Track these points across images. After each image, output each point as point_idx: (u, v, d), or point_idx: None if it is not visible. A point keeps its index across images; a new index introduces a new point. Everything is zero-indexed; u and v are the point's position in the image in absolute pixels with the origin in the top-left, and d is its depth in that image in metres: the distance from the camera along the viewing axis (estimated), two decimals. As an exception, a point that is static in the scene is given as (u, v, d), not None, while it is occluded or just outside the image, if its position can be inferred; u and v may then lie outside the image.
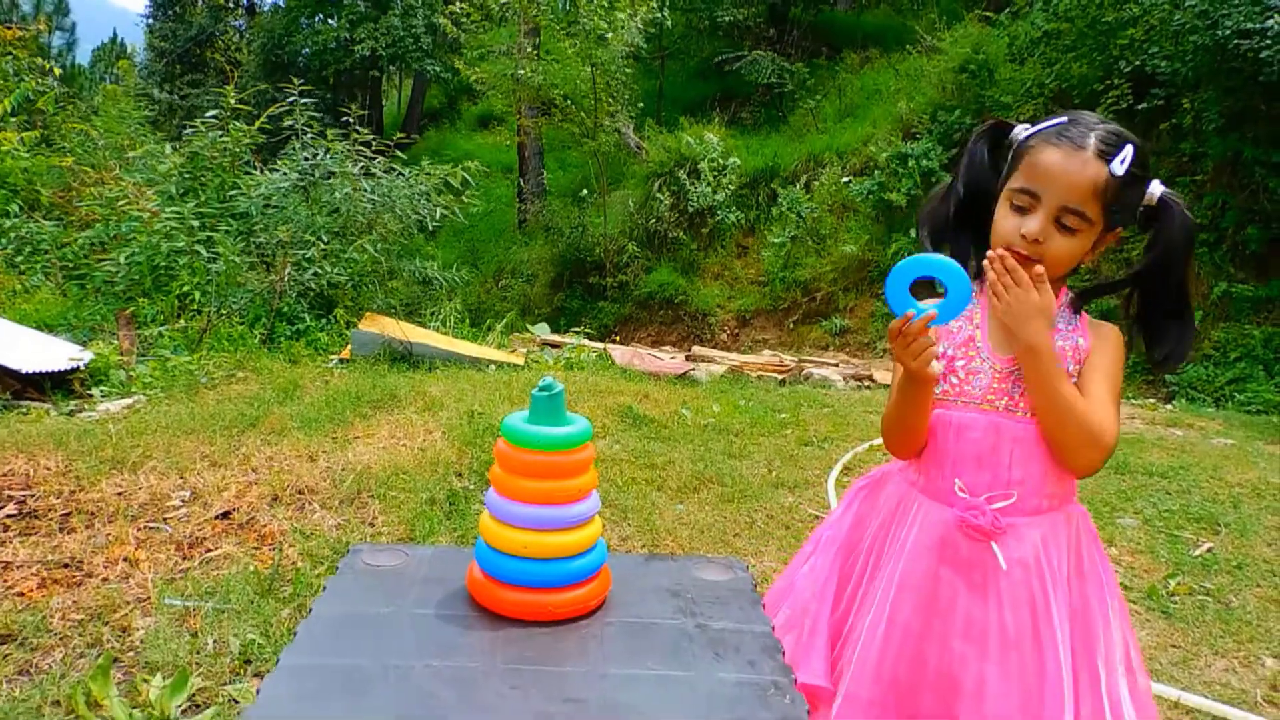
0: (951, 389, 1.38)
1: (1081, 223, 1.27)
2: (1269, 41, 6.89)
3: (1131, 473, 4.24)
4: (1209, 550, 3.32)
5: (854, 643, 1.42)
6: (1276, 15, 6.86)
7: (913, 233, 9.99)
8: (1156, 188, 1.30)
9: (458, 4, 13.47)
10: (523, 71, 11.93)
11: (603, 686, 1.00)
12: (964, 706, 1.31)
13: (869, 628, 1.39)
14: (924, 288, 1.26)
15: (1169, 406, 6.71)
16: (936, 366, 1.30)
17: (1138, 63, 8.47)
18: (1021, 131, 1.35)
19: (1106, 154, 1.25)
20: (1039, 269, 1.28)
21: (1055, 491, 1.35)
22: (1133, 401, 6.93)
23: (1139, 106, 8.47)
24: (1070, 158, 1.26)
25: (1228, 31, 7.14)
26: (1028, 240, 1.28)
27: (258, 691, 0.96)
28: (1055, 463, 1.33)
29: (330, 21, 20.36)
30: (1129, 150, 1.25)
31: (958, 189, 1.39)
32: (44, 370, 4.42)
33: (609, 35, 11.29)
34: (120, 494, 3.01)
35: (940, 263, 1.24)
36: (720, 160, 11.69)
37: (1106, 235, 1.31)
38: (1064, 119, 1.30)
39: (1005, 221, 1.32)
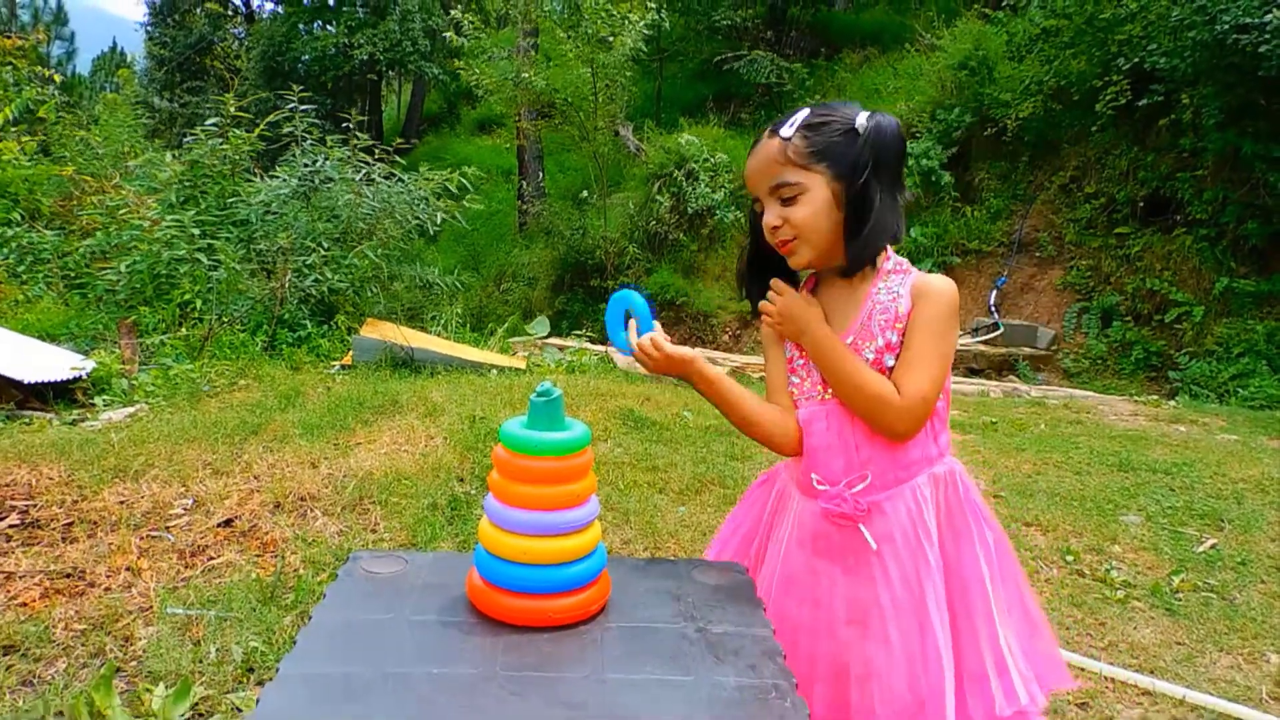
0: (797, 388, 1.44)
1: (792, 189, 1.34)
2: (1268, 36, 6.88)
3: (1135, 469, 4.23)
4: (1213, 546, 3.32)
5: None
6: (1275, 9, 6.85)
7: (913, 232, 10.02)
8: (860, 118, 1.33)
9: (458, 10, 13.48)
10: (526, 75, 11.93)
11: (603, 692, 1.00)
12: (855, 690, 1.33)
13: None
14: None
15: (1172, 403, 6.70)
16: (684, 350, 1.37)
17: (1136, 59, 8.46)
18: None
19: (776, 127, 1.36)
20: (773, 285, 1.43)
21: (910, 460, 1.36)
22: (1136, 398, 6.92)
23: (1138, 103, 8.47)
24: (755, 152, 1.38)
25: (1226, 26, 7.13)
26: (772, 232, 1.37)
27: (258, 700, 0.96)
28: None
29: (329, 28, 20.38)
30: (799, 114, 1.35)
31: (745, 245, 1.51)
32: (46, 380, 4.43)
33: (612, 39, 11.29)
34: (123, 503, 3.02)
35: (627, 295, 1.40)
36: (710, 157, 11.68)
37: (849, 184, 1.31)
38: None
39: (762, 227, 1.40)
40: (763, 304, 1.44)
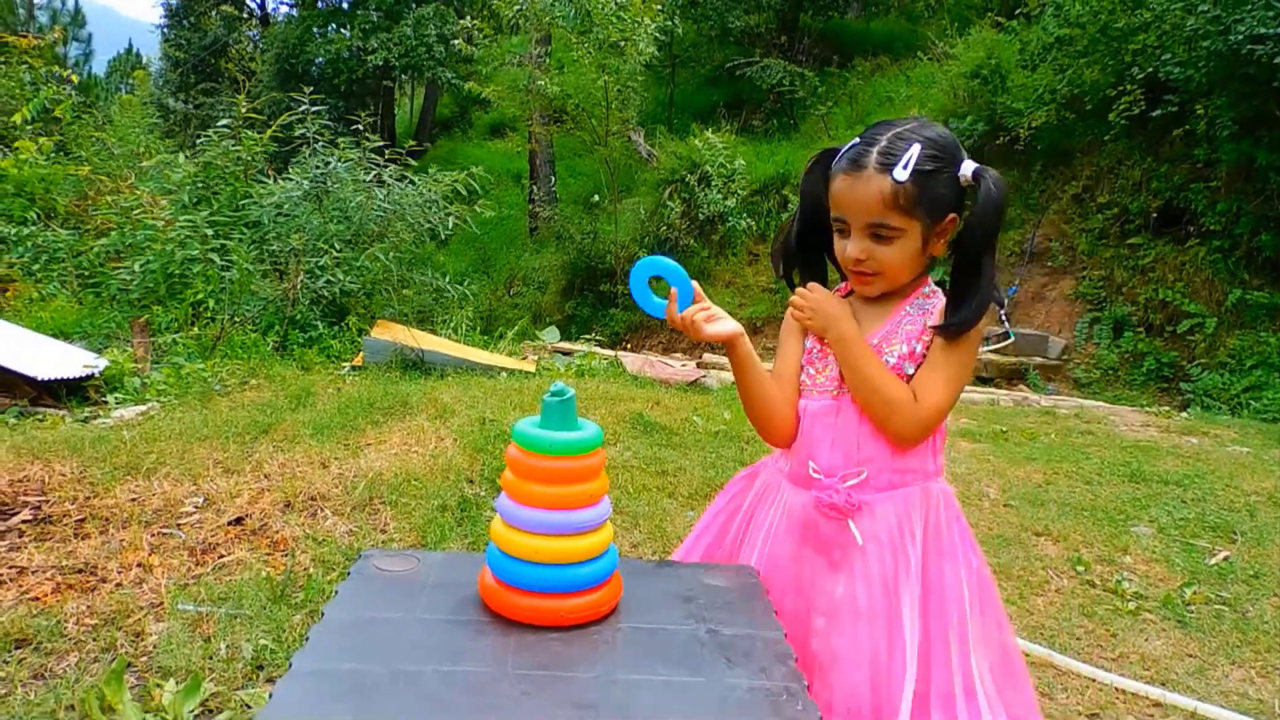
0: (809, 380, 1.46)
1: (892, 231, 1.33)
2: (1283, 47, 6.86)
3: (1146, 481, 4.21)
4: (1225, 559, 3.29)
5: None
6: (1291, 20, 6.83)
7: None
8: (968, 167, 1.33)
9: (470, 18, 13.54)
10: (541, 82, 11.97)
11: (614, 692, 1.00)
12: (817, 680, 1.34)
13: None
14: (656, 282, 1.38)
15: (1184, 414, 6.67)
16: (728, 325, 1.37)
17: (1150, 69, 8.43)
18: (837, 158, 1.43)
19: (888, 165, 1.30)
20: (808, 286, 1.45)
21: (907, 467, 1.39)
22: (1147, 409, 6.88)
23: (1152, 113, 8.44)
24: (854, 182, 1.33)
25: (1240, 37, 7.10)
26: (854, 262, 1.37)
27: (269, 696, 0.96)
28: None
29: (343, 31, 20.47)
30: (913, 151, 1.30)
31: (795, 219, 1.49)
32: (60, 377, 4.46)
33: (624, 44, 11.31)
34: (134, 500, 3.03)
35: (655, 262, 1.36)
36: (727, 164, 11.67)
37: (938, 225, 1.35)
38: (858, 139, 1.37)
39: (836, 244, 1.42)
40: (793, 298, 1.46)
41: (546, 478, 1.13)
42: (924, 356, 1.37)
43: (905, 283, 1.40)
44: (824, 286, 1.48)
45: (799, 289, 1.47)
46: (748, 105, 15.65)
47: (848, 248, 1.37)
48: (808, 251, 1.50)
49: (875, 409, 1.36)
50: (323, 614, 1.13)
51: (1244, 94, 7.57)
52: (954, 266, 1.35)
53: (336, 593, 1.19)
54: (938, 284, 1.43)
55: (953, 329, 1.34)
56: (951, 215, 1.35)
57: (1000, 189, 1.30)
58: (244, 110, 7.63)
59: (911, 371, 1.37)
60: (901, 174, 1.29)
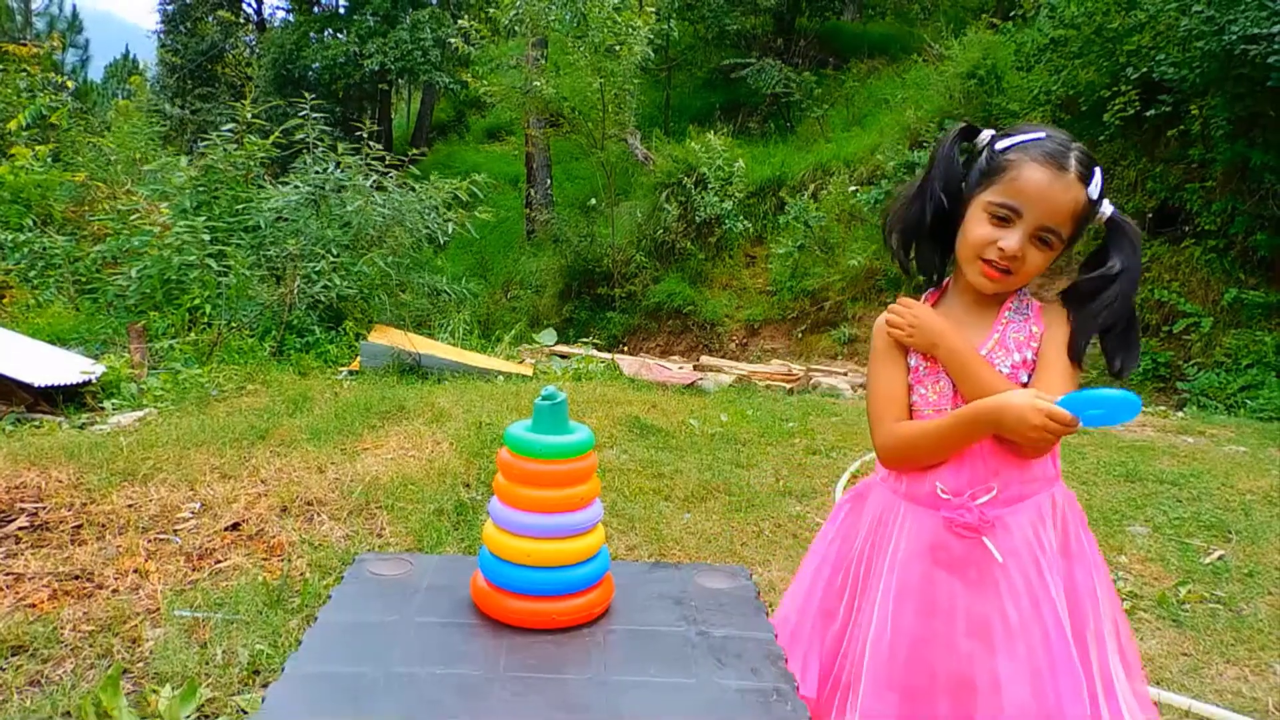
0: (920, 399, 1.42)
1: (1058, 240, 1.33)
2: (1277, 47, 6.87)
3: (1142, 480, 4.22)
4: (1220, 558, 3.30)
5: (856, 657, 1.42)
6: (1284, 21, 6.84)
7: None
8: (1107, 208, 1.34)
9: (466, 19, 13.56)
10: (537, 84, 11.99)
11: (605, 694, 1.01)
12: (981, 704, 1.31)
13: (874, 640, 1.40)
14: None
15: (1180, 414, 6.68)
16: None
17: (1145, 69, 8.44)
18: (991, 138, 1.38)
19: (1086, 178, 1.29)
20: (900, 301, 1.39)
21: (1034, 476, 1.37)
22: (1144, 409, 6.89)
23: (1147, 113, 8.45)
24: (1056, 179, 1.29)
25: (1235, 37, 7.11)
26: (1005, 254, 1.32)
27: (263, 699, 0.97)
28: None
29: (340, 36, 20.49)
30: (1099, 174, 1.30)
31: (937, 195, 1.39)
32: (56, 384, 4.46)
33: (619, 47, 11.33)
34: (131, 506, 3.04)
35: (1125, 399, 1.22)
36: (726, 167, 11.69)
37: (1070, 249, 1.38)
38: (1041, 134, 1.33)
39: (980, 229, 1.34)
40: (890, 317, 1.42)
41: (537, 481, 1.14)
42: (1034, 363, 1.36)
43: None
44: (931, 283, 1.45)
45: (892, 305, 1.42)
46: (744, 108, 15.67)
47: (1005, 238, 1.31)
48: (933, 234, 1.42)
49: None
50: (317, 618, 1.14)
51: (1238, 94, 7.59)
52: (1107, 310, 1.32)
53: (330, 597, 1.20)
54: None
55: (1125, 370, 1.34)
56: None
57: (1138, 231, 1.34)
58: (248, 115, 7.64)
59: (1025, 380, 1.35)
60: (1094, 193, 1.30)
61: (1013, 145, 1.33)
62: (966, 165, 1.39)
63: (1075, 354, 1.34)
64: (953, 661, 1.34)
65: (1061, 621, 1.31)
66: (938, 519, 1.37)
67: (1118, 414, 1.22)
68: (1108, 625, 1.36)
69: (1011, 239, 1.31)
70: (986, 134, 1.38)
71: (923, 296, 1.48)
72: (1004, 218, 1.31)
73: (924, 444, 1.39)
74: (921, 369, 1.42)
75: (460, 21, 13.46)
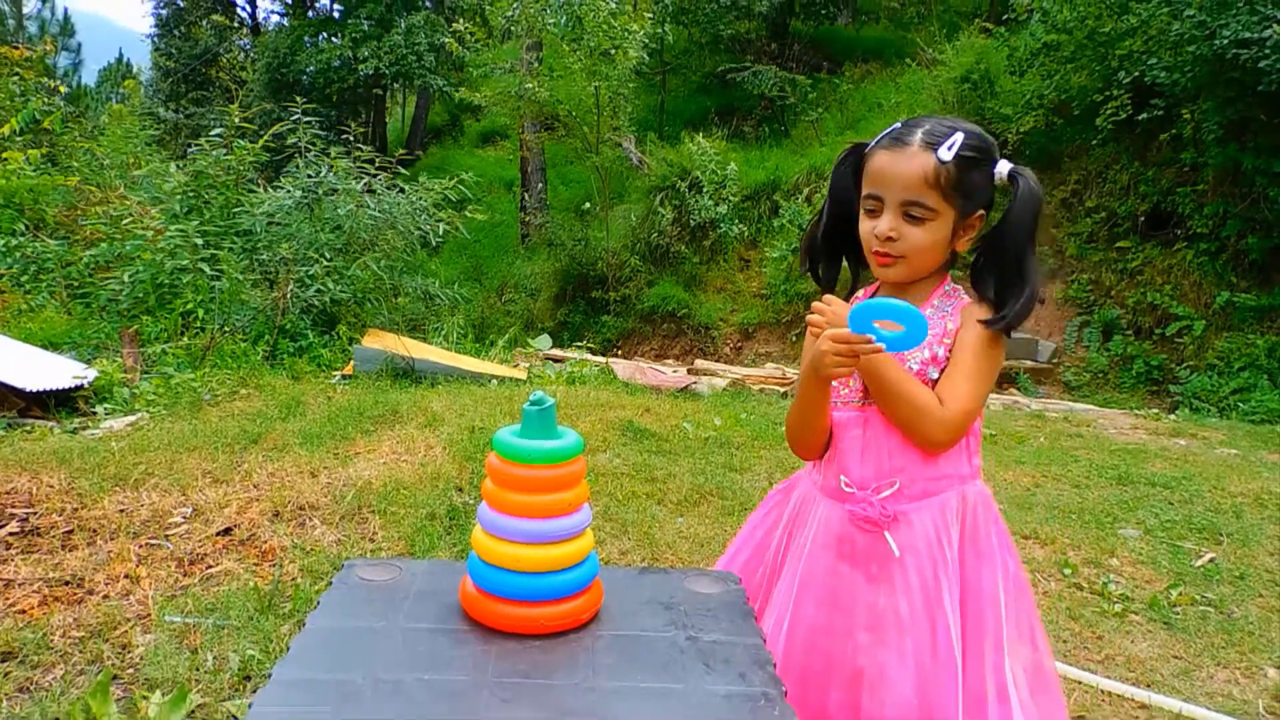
0: (834, 393, 1.44)
1: (925, 212, 1.33)
2: (1268, 51, 6.91)
3: (1134, 483, 4.23)
4: (1211, 561, 3.31)
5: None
6: (1275, 25, 6.88)
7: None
8: (1004, 166, 1.35)
9: (461, 22, 13.58)
10: (530, 86, 12.00)
11: (593, 699, 1.01)
12: (866, 695, 1.34)
13: (773, 626, 1.43)
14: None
15: (1172, 416, 6.70)
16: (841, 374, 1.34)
17: (1137, 73, 8.49)
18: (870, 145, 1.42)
19: (933, 144, 1.31)
20: (824, 299, 1.37)
21: (940, 474, 1.38)
22: (1136, 412, 6.92)
23: (1139, 117, 8.49)
24: (897, 155, 1.33)
25: (1226, 41, 7.16)
26: (880, 239, 1.35)
27: (250, 705, 0.96)
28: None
29: (334, 40, 20.51)
30: (957, 137, 1.31)
31: (823, 212, 1.48)
32: (48, 388, 4.44)
33: (614, 51, 11.35)
34: (122, 511, 3.03)
35: (903, 308, 1.23)
36: (718, 171, 11.71)
37: (967, 221, 1.36)
38: (898, 124, 1.38)
39: (863, 227, 1.40)
40: (810, 316, 1.43)
41: (526, 486, 1.14)
42: (947, 360, 1.36)
43: (926, 272, 1.39)
44: (836, 290, 1.47)
45: (815, 303, 1.43)
46: (739, 112, 15.70)
47: (878, 225, 1.35)
48: (833, 249, 1.48)
49: (902, 417, 1.35)
50: (304, 623, 1.14)
51: (1229, 98, 7.63)
52: (996, 264, 1.36)
53: (319, 602, 1.20)
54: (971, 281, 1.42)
55: (1001, 323, 1.33)
56: (981, 211, 1.37)
57: (1038, 187, 1.33)
58: (237, 119, 7.63)
59: (936, 376, 1.36)
60: (946, 154, 1.30)
61: (874, 143, 1.39)
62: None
63: (993, 320, 1.34)
64: (848, 652, 1.36)
65: (951, 621, 1.32)
66: (844, 511, 1.40)
67: (911, 331, 1.22)
68: (1010, 628, 1.35)
69: (883, 222, 1.35)
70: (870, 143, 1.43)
71: (853, 295, 1.51)
72: (871, 209, 1.37)
73: (791, 419, 1.45)
74: None
75: (455, 25, 13.47)
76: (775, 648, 1.40)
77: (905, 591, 1.34)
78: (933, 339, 1.37)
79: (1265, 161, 7.70)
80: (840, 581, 1.39)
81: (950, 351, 1.36)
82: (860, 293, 1.51)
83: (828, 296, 1.43)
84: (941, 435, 1.34)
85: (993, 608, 1.35)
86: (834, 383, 1.42)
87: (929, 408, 1.33)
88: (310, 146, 7.58)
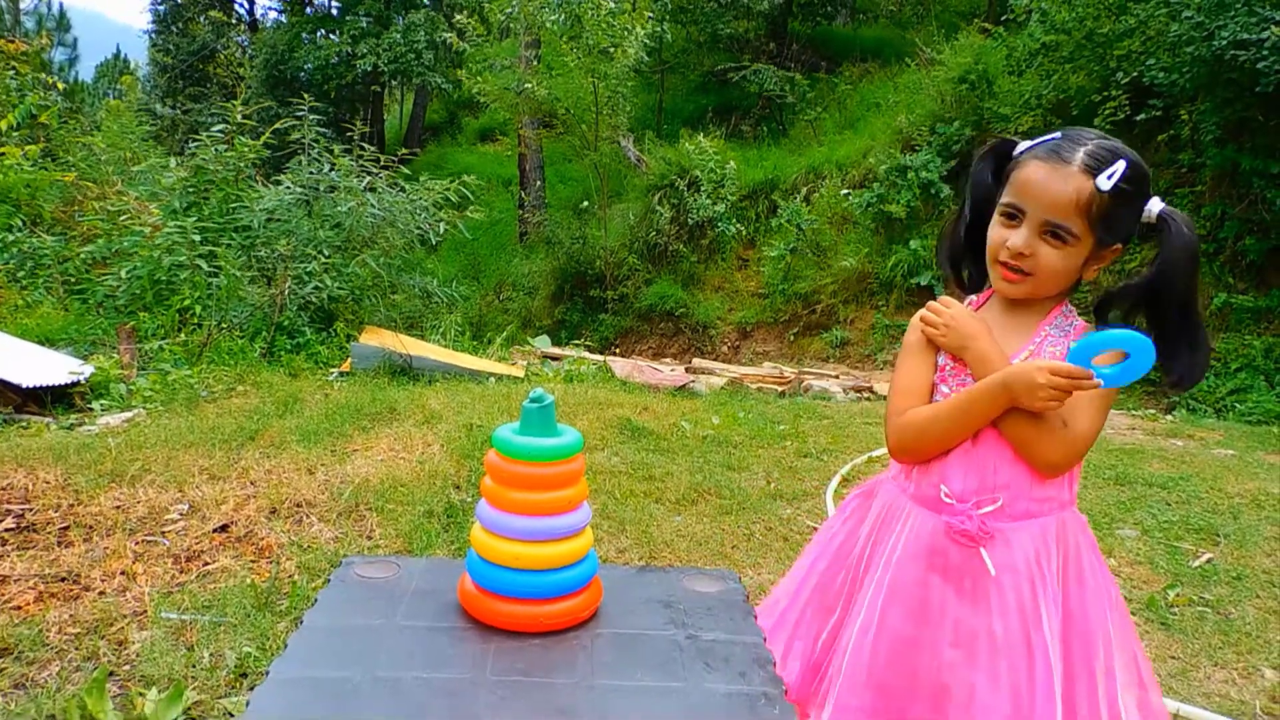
0: (944, 398, 1.39)
1: (1068, 236, 1.27)
2: (1266, 52, 6.91)
3: (1131, 483, 4.24)
4: (1208, 561, 3.32)
5: (843, 650, 1.41)
6: (1273, 26, 6.88)
7: (912, 244, 10.00)
8: (1155, 204, 1.28)
9: (462, 15, 13.56)
10: (529, 84, 11.99)
11: (592, 698, 1.01)
12: (954, 714, 1.30)
13: (858, 634, 1.39)
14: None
15: (1170, 417, 6.71)
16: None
17: (1135, 74, 8.49)
18: (1021, 147, 1.36)
19: (1094, 169, 1.24)
20: (941, 300, 1.35)
21: (1045, 496, 1.33)
22: (1133, 412, 6.92)
23: (1137, 117, 8.49)
24: (1054, 173, 1.26)
25: (1224, 42, 7.16)
26: (1012, 252, 1.30)
27: (248, 703, 0.96)
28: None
29: (332, 37, 20.47)
30: (1120, 165, 1.24)
31: (965, 212, 1.41)
32: (45, 384, 4.43)
33: (613, 50, 11.34)
34: (119, 507, 3.02)
35: (1131, 337, 1.20)
36: (717, 170, 11.71)
37: (1103, 252, 1.31)
38: (1059, 135, 1.31)
39: (994, 232, 1.34)
40: (925, 314, 1.39)
41: (525, 484, 1.13)
42: None
43: (1050, 296, 1.34)
44: (972, 294, 1.42)
45: (930, 303, 1.40)
46: (737, 111, 15.70)
47: (1011, 237, 1.29)
48: (977, 248, 1.41)
49: (1023, 434, 1.30)
50: (302, 621, 1.13)
51: (1227, 99, 7.63)
52: (1154, 312, 1.29)
53: (316, 600, 1.19)
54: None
55: (1181, 385, 1.28)
56: (1118, 245, 1.31)
57: (1192, 232, 1.26)
58: (238, 115, 7.61)
59: None
60: (1106, 184, 1.23)
61: (1026, 148, 1.33)
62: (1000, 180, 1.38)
63: (1171, 383, 1.29)
64: (934, 668, 1.32)
65: (1050, 646, 1.28)
66: (939, 523, 1.35)
67: (1136, 360, 1.18)
68: (1120, 660, 1.31)
69: (1018, 237, 1.29)
70: (1022, 145, 1.36)
71: (966, 300, 1.46)
72: (1011, 215, 1.31)
73: (934, 428, 1.36)
74: (948, 368, 1.40)
75: (456, 18, 13.46)
76: (860, 657, 1.37)
77: (1001, 612, 1.30)
78: (1056, 355, 1.32)
79: (1263, 163, 7.70)
80: (930, 594, 1.35)
81: None
82: (974, 298, 1.45)
83: (945, 298, 1.39)
84: (1060, 457, 1.29)
85: (1103, 636, 1.30)
86: (944, 388, 1.38)
87: (1053, 427, 1.28)
88: (314, 143, 7.57)
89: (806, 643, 1.48)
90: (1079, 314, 1.40)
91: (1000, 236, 1.32)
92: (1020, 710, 1.27)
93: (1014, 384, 1.26)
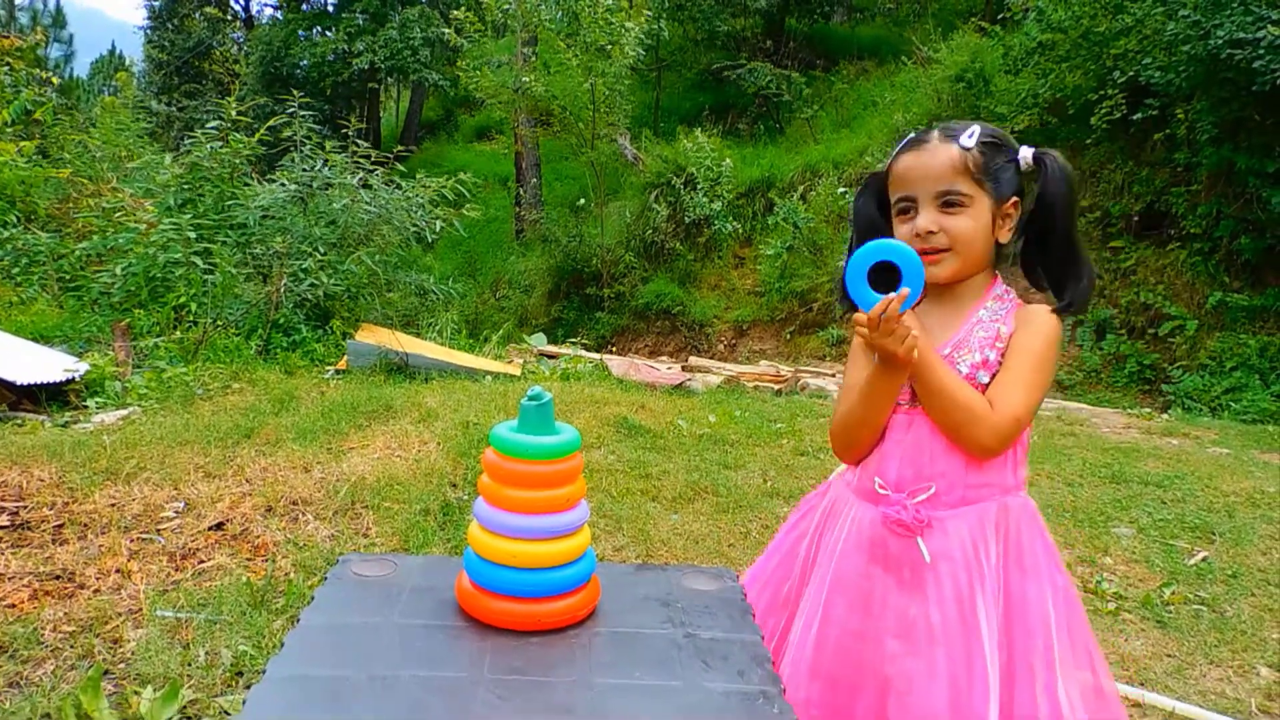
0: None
1: (961, 198, 1.33)
2: (1261, 52, 6.92)
3: (1126, 482, 4.24)
4: (1204, 559, 3.32)
5: (791, 644, 1.44)
6: (1269, 25, 6.89)
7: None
8: (1026, 151, 1.36)
9: (460, 12, 13.54)
10: (526, 80, 11.97)
11: (590, 696, 1.00)
12: (893, 704, 1.31)
13: (803, 628, 1.41)
14: (881, 285, 1.25)
15: (1165, 415, 6.72)
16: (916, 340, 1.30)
17: (1131, 73, 8.50)
18: (886, 164, 1.44)
19: (954, 135, 1.34)
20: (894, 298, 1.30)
21: (983, 482, 1.34)
22: (1129, 411, 6.94)
23: (1133, 116, 8.51)
24: (922, 153, 1.36)
25: (1220, 41, 7.17)
26: (923, 236, 1.34)
27: (245, 701, 0.95)
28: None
29: (328, 34, 20.41)
30: (974, 126, 1.34)
31: (851, 245, 1.43)
32: (39, 382, 4.42)
33: (610, 47, 11.33)
34: (114, 505, 3.01)
35: (897, 247, 1.23)
36: (713, 168, 11.70)
37: (1003, 208, 1.35)
38: (911, 133, 1.40)
39: (899, 231, 1.38)
40: (857, 315, 1.39)
41: (523, 482, 1.13)
42: (999, 364, 1.33)
43: (975, 267, 1.36)
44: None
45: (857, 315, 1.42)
46: (734, 109, 15.70)
47: (916, 223, 1.34)
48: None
49: (950, 420, 1.31)
50: (299, 619, 1.13)
51: (1223, 98, 7.64)
52: (1042, 248, 1.36)
53: (313, 598, 1.19)
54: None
55: (1069, 308, 1.33)
56: (1014, 198, 1.36)
57: (1066, 163, 1.34)
58: (233, 112, 7.59)
59: (986, 380, 1.32)
60: (968, 141, 1.32)
61: (890, 156, 1.41)
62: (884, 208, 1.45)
63: (1060, 308, 1.34)
64: (878, 659, 1.34)
65: (986, 633, 1.28)
66: (878, 514, 1.37)
67: (907, 273, 1.20)
68: (1064, 648, 1.30)
69: (922, 219, 1.34)
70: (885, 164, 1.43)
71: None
72: (906, 209, 1.37)
73: (850, 419, 1.41)
74: None
75: (453, 13, 13.45)
76: (804, 651, 1.38)
77: (938, 601, 1.30)
78: (984, 342, 1.34)
79: (1259, 162, 7.71)
80: (872, 585, 1.36)
81: (1003, 356, 1.33)
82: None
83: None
84: (991, 441, 1.30)
85: (1042, 625, 1.30)
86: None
87: (980, 411, 1.29)
88: (306, 140, 7.55)
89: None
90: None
91: (906, 229, 1.37)
92: (958, 699, 1.27)
93: (882, 353, 1.29)
